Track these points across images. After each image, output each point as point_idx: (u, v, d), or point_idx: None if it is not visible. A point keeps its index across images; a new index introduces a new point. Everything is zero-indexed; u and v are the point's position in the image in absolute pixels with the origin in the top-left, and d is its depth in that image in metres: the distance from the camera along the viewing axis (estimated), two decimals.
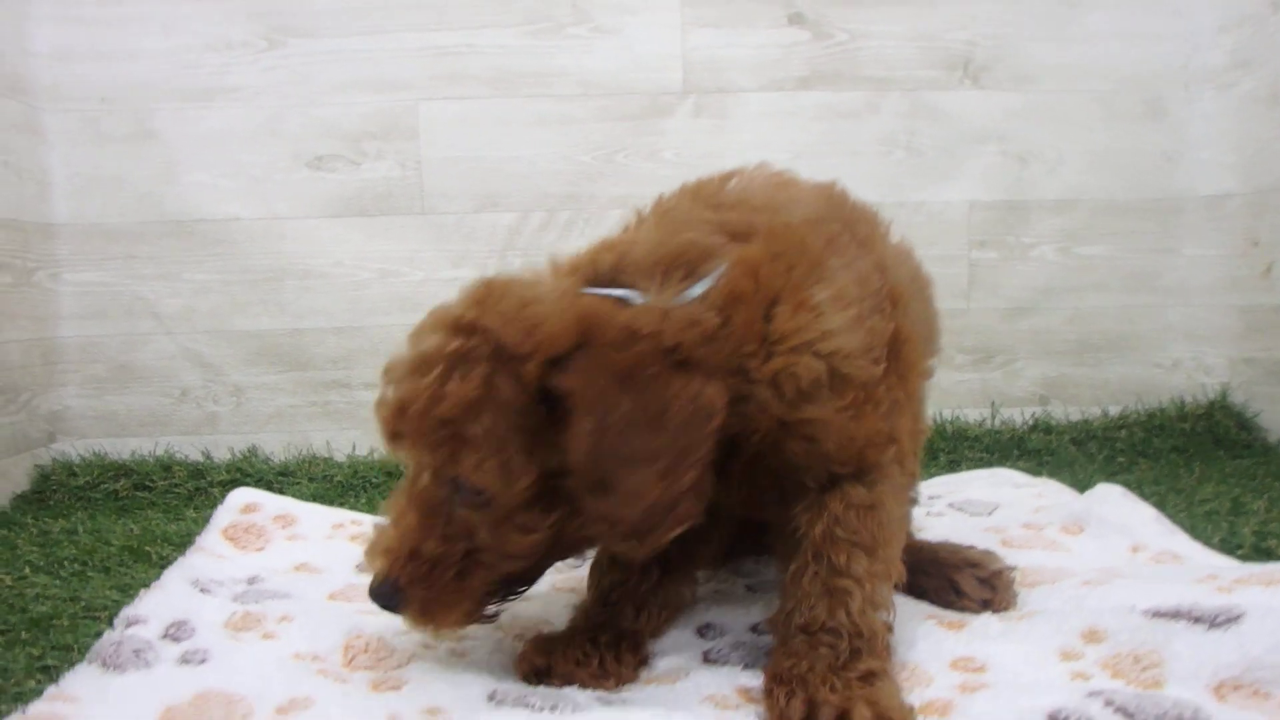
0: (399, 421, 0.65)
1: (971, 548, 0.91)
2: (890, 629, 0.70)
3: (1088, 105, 1.68)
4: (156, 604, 0.82)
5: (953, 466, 1.56)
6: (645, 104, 1.65)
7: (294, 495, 1.45)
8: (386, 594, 0.67)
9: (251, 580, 0.94)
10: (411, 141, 1.64)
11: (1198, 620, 0.68)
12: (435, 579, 0.66)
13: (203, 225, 1.64)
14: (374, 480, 1.54)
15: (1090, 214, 1.71)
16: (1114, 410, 1.70)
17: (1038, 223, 1.70)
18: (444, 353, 0.63)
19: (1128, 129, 1.69)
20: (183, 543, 1.14)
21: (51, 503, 1.49)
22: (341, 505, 1.42)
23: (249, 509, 1.13)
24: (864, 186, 1.66)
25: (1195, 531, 1.08)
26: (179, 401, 1.68)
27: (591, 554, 0.83)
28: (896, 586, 0.88)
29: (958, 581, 0.84)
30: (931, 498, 1.26)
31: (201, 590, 0.88)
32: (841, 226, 0.74)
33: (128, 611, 0.81)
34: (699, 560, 0.83)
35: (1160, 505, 1.19)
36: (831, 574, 0.68)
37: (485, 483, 0.64)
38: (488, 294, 0.66)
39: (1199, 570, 0.83)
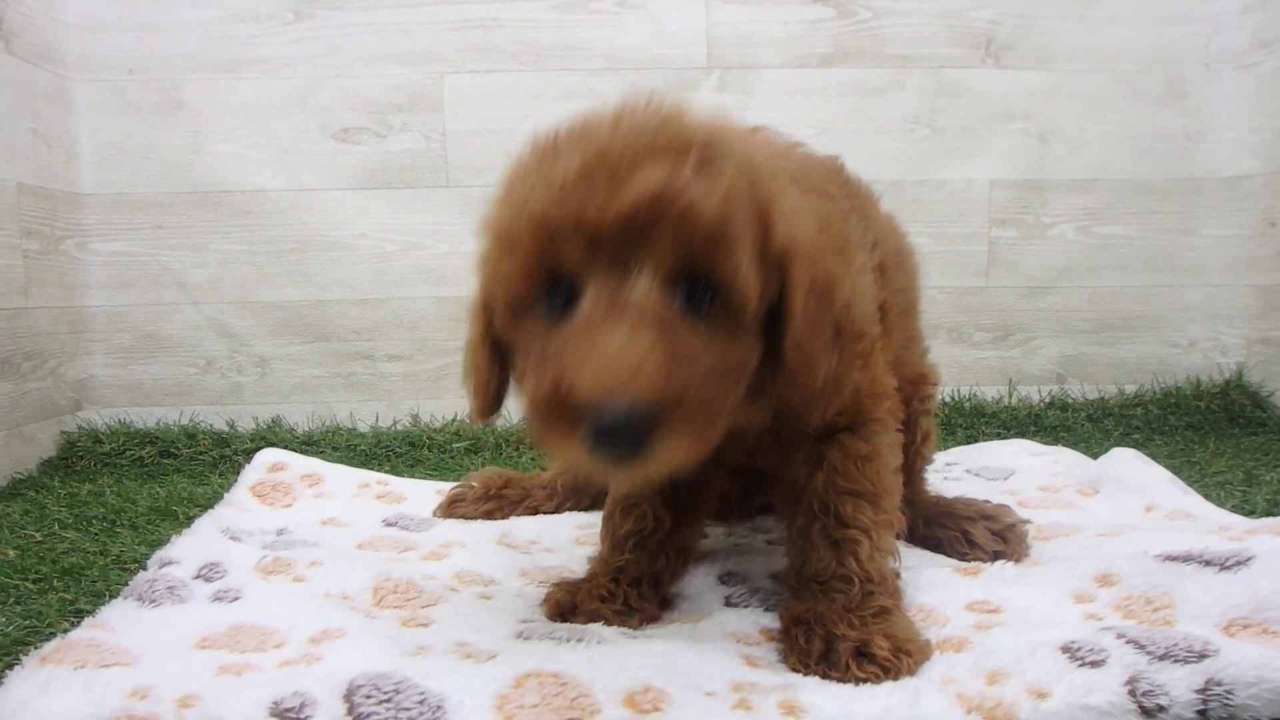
0: (648, 212, 0.53)
1: (986, 502, 0.92)
2: (899, 575, 0.71)
3: (1109, 85, 1.66)
4: (188, 547, 0.83)
5: (970, 442, 1.54)
6: (670, 78, 1.63)
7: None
8: (636, 421, 0.51)
9: (280, 532, 0.94)
10: (437, 114, 1.64)
11: (1208, 563, 0.70)
12: (690, 409, 0.53)
13: (229, 196, 1.63)
14: (397, 450, 1.53)
15: (1110, 194, 1.69)
16: (1130, 389, 1.70)
17: (1058, 202, 1.69)
18: (694, 141, 0.55)
19: (1149, 109, 1.67)
20: (209, 504, 1.13)
21: (78, 468, 1.48)
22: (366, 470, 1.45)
23: (276, 468, 1.13)
24: (887, 163, 1.72)
25: (1209, 499, 1.07)
26: (204, 371, 1.68)
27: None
28: (909, 538, 0.90)
29: (971, 533, 0.86)
30: (949, 464, 1.27)
31: (231, 538, 0.88)
32: (850, 202, 0.78)
33: (160, 554, 0.81)
34: (703, 509, 0.83)
35: (1176, 475, 1.19)
36: (838, 525, 0.68)
37: (745, 288, 0.56)
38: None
39: (1211, 524, 0.85)
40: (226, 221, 1.65)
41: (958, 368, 1.74)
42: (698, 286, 0.56)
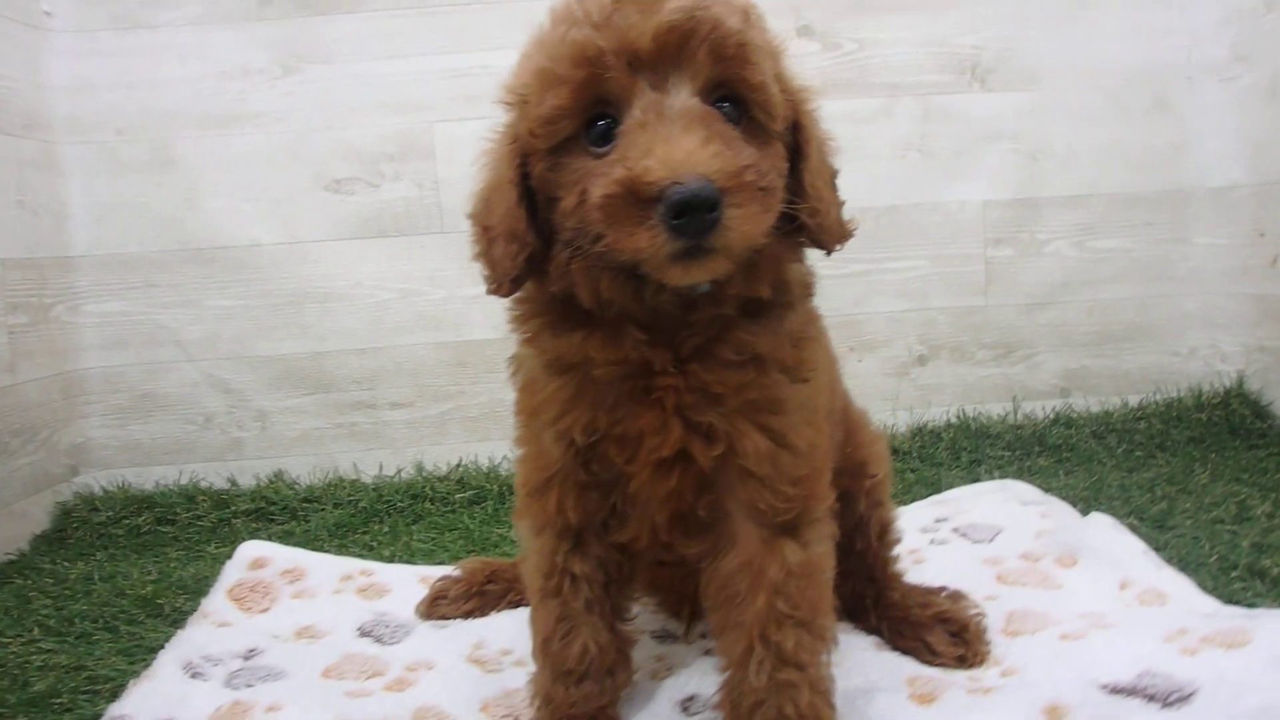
0: (682, 30, 0.58)
1: (942, 592, 0.91)
2: (834, 708, 0.70)
3: (1095, 101, 1.64)
4: (145, 696, 0.78)
5: (973, 466, 1.52)
6: None
7: (318, 522, 1.42)
8: (708, 194, 0.53)
9: (249, 654, 0.89)
10: (429, 162, 1.60)
11: (1152, 699, 0.71)
12: (749, 187, 0.56)
13: (223, 251, 1.59)
14: (398, 505, 1.48)
15: (1103, 207, 1.66)
16: (1134, 400, 1.66)
17: (1051, 218, 1.66)
18: None
19: (1135, 123, 1.65)
20: (198, 589, 1.09)
21: (71, 542, 1.42)
22: (365, 532, 1.39)
23: (258, 564, 1.09)
24: (881, 189, 1.69)
25: (1195, 545, 1.07)
26: (203, 428, 1.62)
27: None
28: (876, 635, 0.90)
29: (931, 643, 0.85)
30: (938, 520, 1.22)
31: (193, 675, 0.83)
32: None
33: (115, 709, 0.77)
34: (627, 602, 0.80)
35: (1170, 509, 1.21)
36: (779, 663, 0.66)
37: (772, 97, 0.61)
38: None
39: (1174, 620, 0.83)
40: (221, 276, 1.61)
41: (962, 386, 1.71)
42: (728, 104, 0.60)
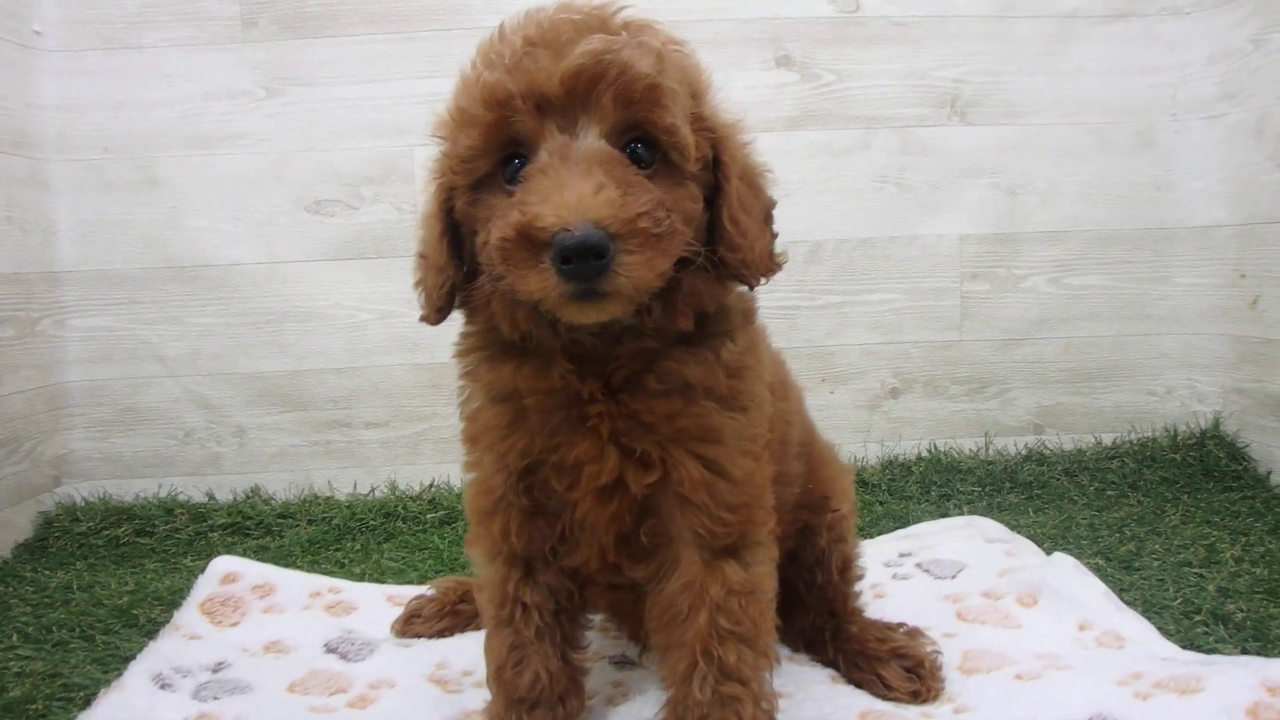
0: (590, 74, 0.58)
1: (900, 629, 0.91)
2: None
3: (1078, 137, 1.62)
4: (114, 707, 0.79)
5: (943, 501, 1.51)
6: None
7: (292, 538, 1.45)
8: (597, 240, 0.54)
9: (217, 667, 0.90)
10: (408, 185, 1.61)
11: None
12: (644, 232, 0.57)
13: (206, 270, 1.61)
14: (371, 524, 1.50)
15: (1082, 244, 1.65)
16: (1108, 439, 1.64)
17: (1029, 254, 1.65)
18: (628, 24, 0.62)
19: (1118, 160, 1.63)
20: (173, 601, 1.12)
21: (53, 550, 1.45)
22: (338, 549, 1.41)
23: (229, 579, 1.10)
24: (856, 221, 1.68)
25: (1161, 588, 1.08)
26: (183, 443, 1.64)
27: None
28: (834, 668, 0.90)
29: (885, 677, 0.85)
30: (902, 555, 1.22)
31: (162, 686, 0.84)
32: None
33: (84, 719, 0.78)
34: (580, 634, 0.80)
35: (1138, 550, 1.20)
36: (721, 677, 0.67)
37: (684, 140, 0.61)
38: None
39: (1129, 664, 0.82)
40: (203, 294, 1.63)
41: (934, 421, 1.70)
42: (641, 146, 0.61)
